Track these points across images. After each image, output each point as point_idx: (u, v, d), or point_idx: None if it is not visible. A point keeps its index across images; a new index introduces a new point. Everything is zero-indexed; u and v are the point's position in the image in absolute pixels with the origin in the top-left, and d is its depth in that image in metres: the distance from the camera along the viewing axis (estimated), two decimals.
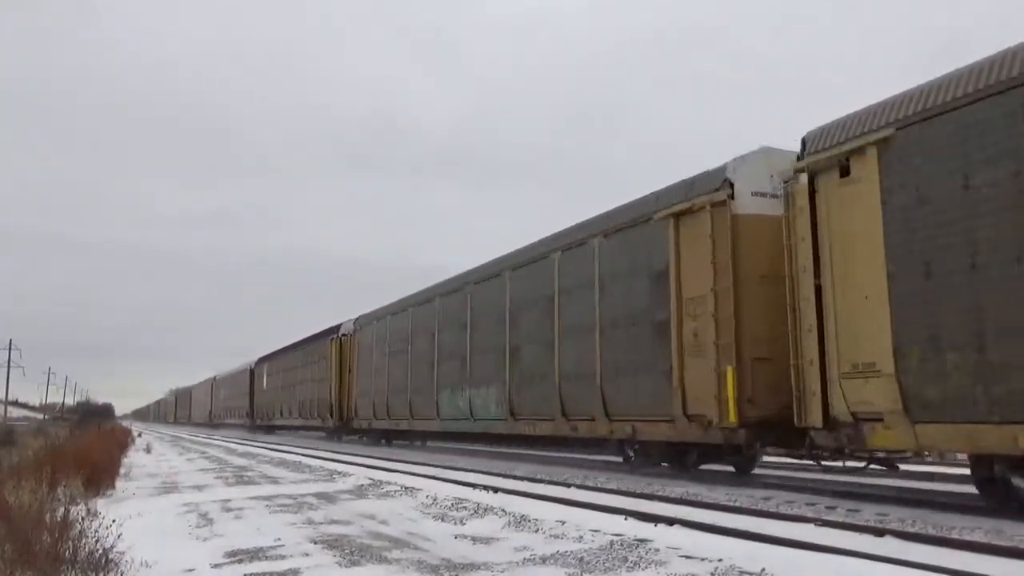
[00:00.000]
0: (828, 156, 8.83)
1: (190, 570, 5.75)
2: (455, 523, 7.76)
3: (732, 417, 10.00)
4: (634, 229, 12.47)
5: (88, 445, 16.63)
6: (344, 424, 28.98)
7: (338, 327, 30.17)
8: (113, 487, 12.04)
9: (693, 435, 10.92)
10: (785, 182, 9.59)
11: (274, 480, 13.45)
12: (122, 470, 15.56)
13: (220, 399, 61.29)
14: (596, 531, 6.88)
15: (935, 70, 8.63)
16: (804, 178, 9.22)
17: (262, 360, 46.60)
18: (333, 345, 29.80)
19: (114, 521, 6.19)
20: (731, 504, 8.56)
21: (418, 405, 21.41)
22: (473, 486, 10.85)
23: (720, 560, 5.48)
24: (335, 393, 29.27)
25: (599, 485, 11.02)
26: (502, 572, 5.41)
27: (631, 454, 13.50)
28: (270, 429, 44.53)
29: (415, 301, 22.48)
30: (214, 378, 65.35)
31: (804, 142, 9.39)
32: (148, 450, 25.56)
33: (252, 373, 48.01)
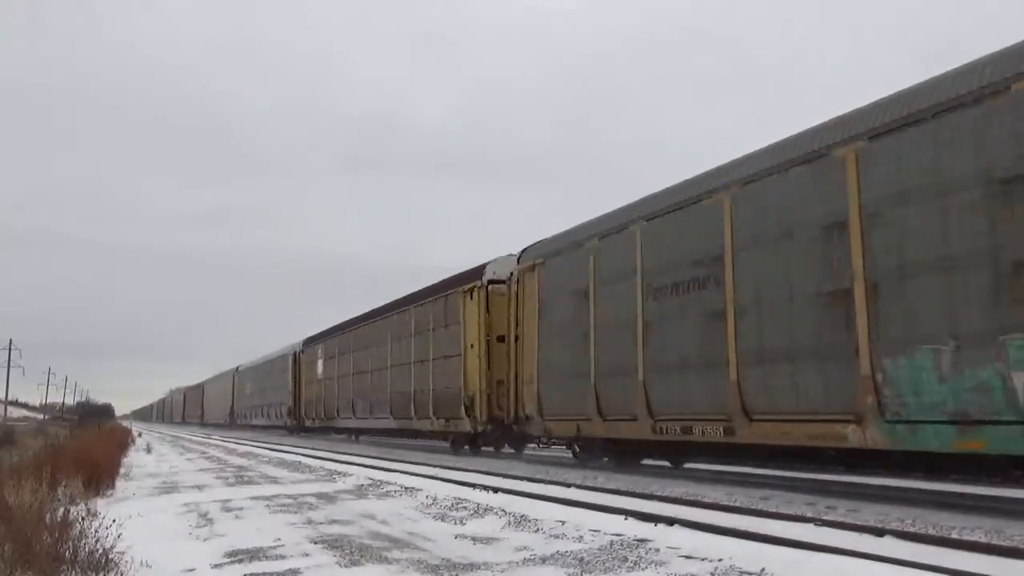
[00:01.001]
0: None
1: (190, 570, 5.75)
2: (455, 523, 7.76)
3: None
4: None
5: (88, 445, 16.64)
6: (499, 427, 17.70)
7: (480, 269, 18.68)
8: (113, 487, 12.04)
9: None
10: None
11: (274, 480, 13.45)
12: (122, 470, 15.57)
13: (246, 394, 49.83)
14: (596, 531, 6.88)
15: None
16: None
17: (314, 340, 34.82)
18: (470, 300, 18.61)
19: (114, 521, 6.20)
20: (731, 504, 8.56)
21: (768, 391, 9.96)
22: (473, 486, 10.85)
23: (720, 560, 5.48)
24: (480, 378, 17.97)
25: (599, 485, 11.02)
26: (502, 572, 5.41)
27: None
28: (325, 432, 33.85)
29: (748, 173, 10.59)
30: (236, 369, 53.79)
31: None
32: (148, 450, 25.59)
33: (296, 359, 36.82)
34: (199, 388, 75.12)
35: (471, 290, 18.72)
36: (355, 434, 31.84)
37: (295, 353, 37.24)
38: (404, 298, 24.23)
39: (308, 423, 34.81)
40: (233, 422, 53.98)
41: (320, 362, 32.95)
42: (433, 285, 21.89)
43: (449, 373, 19.60)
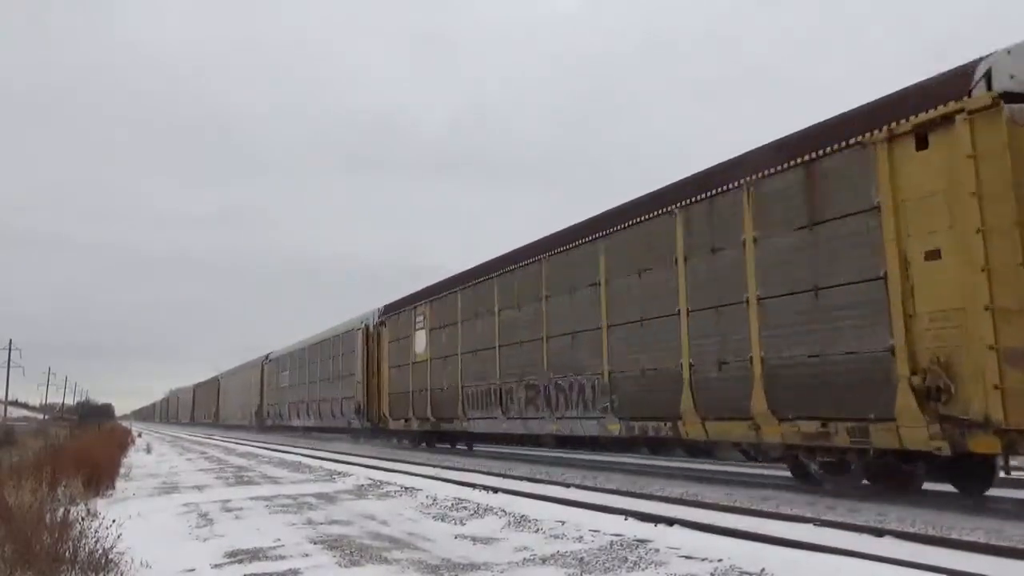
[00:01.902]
0: None
1: (190, 570, 5.76)
2: (455, 523, 7.77)
3: None
4: None
5: (88, 445, 16.65)
6: None
7: (962, 74, 7.68)
8: (113, 487, 12.05)
9: None
10: None
11: (274, 480, 13.45)
12: (122, 470, 15.58)
13: (280, 388, 39.94)
14: (596, 531, 6.88)
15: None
16: None
17: (404, 304, 23.23)
18: (929, 150, 7.88)
19: (114, 521, 6.22)
20: (731, 504, 8.55)
21: None
22: (473, 486, 10.85)
23: (720, 560, 5.49)
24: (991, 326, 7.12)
25: (599, 485, 11.02)
26: (502, 572, 5.41)
27: None
28: (428, 438, 22.73)
29: None
30: (266, 357, 43.89)
31: None
32: (148, 450, 25.60)
33: (369, 336, 26.32)
34: (213, 383, 64.31)
35: (931, 123, 7.96)
36: (491, 443, 20.61)
37: (366, 327, 26.60)
38: (654, 195, 12.39)
39: (394, 424, 23.76)
40: (261, 424, 43.96)
41: (421, 334, 21.40)
42: (750, 152, 10.51)
43: (831, 320, 8.87)
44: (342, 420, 28.88)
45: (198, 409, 72.47)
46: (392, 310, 24.40)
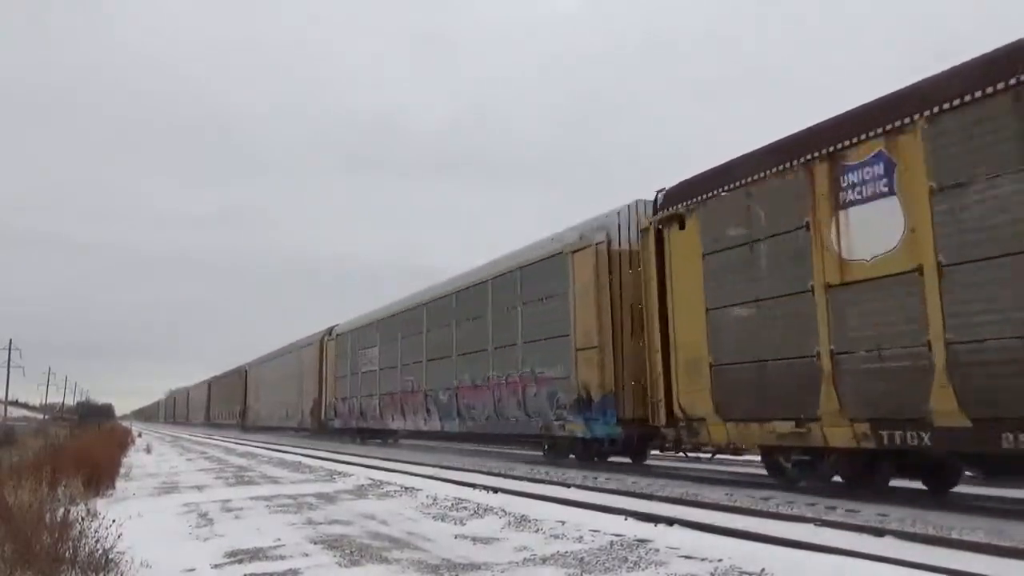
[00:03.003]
0: None
1: (190, 570, 5.76)
2: (455, 523, 7.76)
3: None
4: None
5: (88, 445, 16.65)
6: None
7: None
8: (113, 487, 12.05)
9: None
10: None
11: (274, 480, 13.44)
12: (122, 470, 15.57)
13: (357, 375, 26.54)
14: (596, 531, 6.88)
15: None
16: None
17: (753, 171, 9.69)
18: None
19: (114, 521, 6.21)
20: (731, 504, 8.55)
21: None
22: (473, 486, 10.85)
23: (720, 560, 5.49)
24: None
25: (599, 485, 11.01)
26: (502, 572, 5.41)
27: None
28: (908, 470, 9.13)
29: None
30: (328, 332, 30.92)
31: None
32: (148, 450, 25.61)
33: (604, 255, 13.02)
34: (236, 374, 51.29)
35: None
36: None
37: (607, 242, 13.28)
38: None
39: (732, 431, 10.22)
40: (322, 426, 30.86)
41: (887, 206, 7.97)
42: None
43: None
44: (524, 422, 15.70)
45: (215, 407, 59.00)
46: (715, 183, 10.66)
